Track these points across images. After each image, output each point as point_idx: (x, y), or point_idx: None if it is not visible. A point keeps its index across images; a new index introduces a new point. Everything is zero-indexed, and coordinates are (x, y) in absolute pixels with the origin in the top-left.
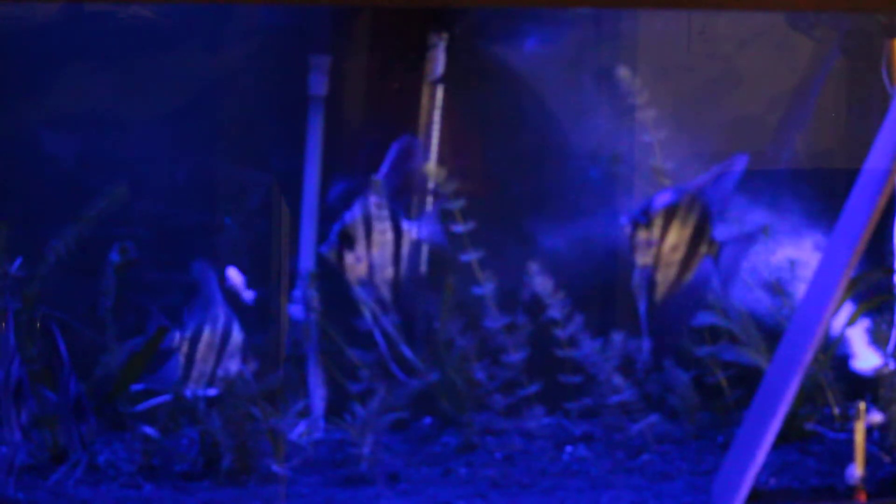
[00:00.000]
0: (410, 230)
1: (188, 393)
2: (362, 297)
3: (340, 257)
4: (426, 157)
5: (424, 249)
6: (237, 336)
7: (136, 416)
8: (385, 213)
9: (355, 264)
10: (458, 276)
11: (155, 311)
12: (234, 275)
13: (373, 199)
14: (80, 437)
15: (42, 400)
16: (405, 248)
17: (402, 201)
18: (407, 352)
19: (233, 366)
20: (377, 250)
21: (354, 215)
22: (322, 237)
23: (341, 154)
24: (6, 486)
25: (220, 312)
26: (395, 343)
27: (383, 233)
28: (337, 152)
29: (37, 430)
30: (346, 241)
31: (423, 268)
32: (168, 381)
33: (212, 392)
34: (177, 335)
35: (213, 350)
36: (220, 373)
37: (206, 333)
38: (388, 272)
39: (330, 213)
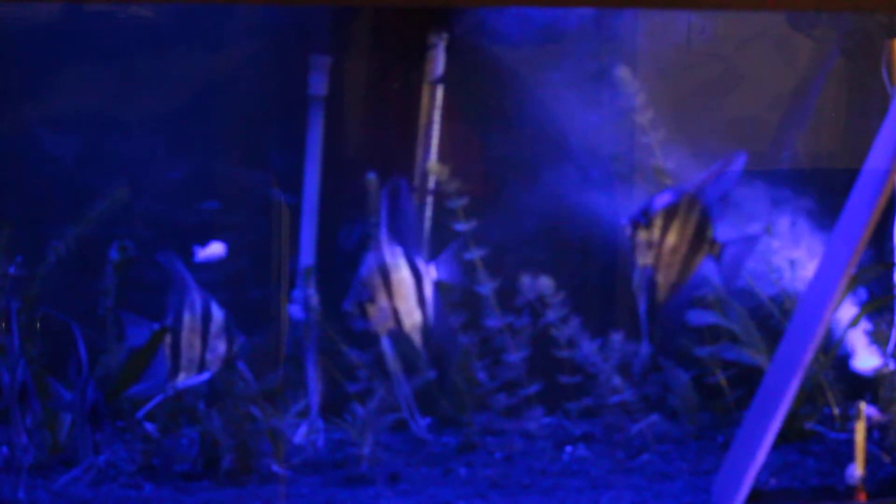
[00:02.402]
0: (428, 271)
1: (181, 384)
2: (388, 349)
3: (364, 311)
4: (412, 196)
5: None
6: (218, 315)
7: (138, 422)
8: (401, 259)
9: (379, 315)
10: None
11: (127, 316)
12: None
13: (385, 247)
14: (94, 443)
15: (44, 399)
16: (426, 291)
17: (411, 240)
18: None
19: (220, 346)
20: (399, 297)
21: (370, 265)
22: (322, 237)
23: (341, 154)
24: (14, 489)
25: (196, 296)
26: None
27: (402, 279)
28: (337, 152)
29: (37, 430)
30: (368, 293)
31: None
32: (158, 379)
33: (205, 376)
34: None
35: (198, 334)
36: (209, 356)
37: (187, 320)
38: (416, 317)
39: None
